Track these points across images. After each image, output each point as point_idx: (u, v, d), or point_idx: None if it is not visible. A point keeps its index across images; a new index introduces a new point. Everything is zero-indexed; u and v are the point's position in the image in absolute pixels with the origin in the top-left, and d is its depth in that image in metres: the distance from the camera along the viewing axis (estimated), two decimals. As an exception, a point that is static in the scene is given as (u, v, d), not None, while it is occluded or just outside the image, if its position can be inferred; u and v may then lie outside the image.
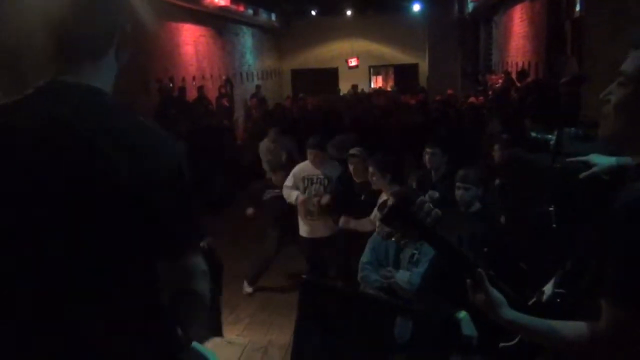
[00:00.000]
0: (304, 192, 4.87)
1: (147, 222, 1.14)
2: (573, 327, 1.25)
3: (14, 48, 6.72)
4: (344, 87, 17.65)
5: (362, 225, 4.21)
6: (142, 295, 1.21)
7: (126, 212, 1.12)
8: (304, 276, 3.59)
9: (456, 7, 16.70)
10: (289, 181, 4.97)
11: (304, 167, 4.98)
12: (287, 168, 5.39)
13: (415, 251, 3.28)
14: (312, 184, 4.87)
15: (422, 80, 18.10)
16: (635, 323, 1.08)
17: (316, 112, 11.01)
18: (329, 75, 19.61)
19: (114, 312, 1.18)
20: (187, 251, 1.24)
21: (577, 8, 8.45)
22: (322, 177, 4.85)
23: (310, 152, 4.89)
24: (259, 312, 4.51)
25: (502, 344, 1.46)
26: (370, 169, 4.09)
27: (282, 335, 3.61)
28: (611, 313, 1.13)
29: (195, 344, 1.54)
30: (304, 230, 4.94)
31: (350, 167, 4.49)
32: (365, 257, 3.53)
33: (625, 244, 1.09)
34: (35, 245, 1.13)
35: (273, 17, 17.99)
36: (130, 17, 1.29)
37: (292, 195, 4.88)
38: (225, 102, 12.45)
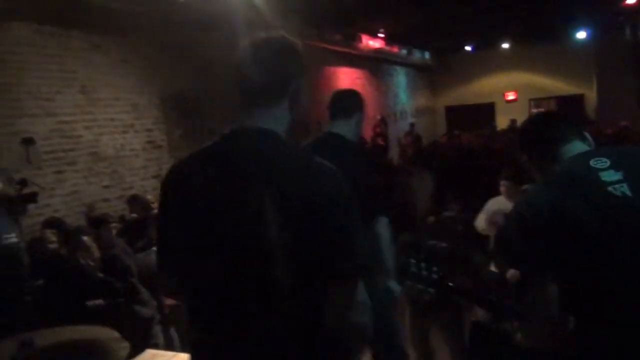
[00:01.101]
0: None
1: (315, 246, 1.24)
2: None
3: (198, 99, 7.58)
4: (502, 122, 16.99)
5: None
6: (314, 314, 1.29)
7: (297, 236, 1.24)
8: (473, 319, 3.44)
9: (627, 30, 15.36)
10: (482, 215, 4.81)
11: (496, 201, 4.77)
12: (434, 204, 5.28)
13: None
14: None
15: (589, 111, 16.79)
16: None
17: (472, 149, 10.72)
18: (485, 111, 19.01)
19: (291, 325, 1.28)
20: (352, 277, 1.33)
21: None
22: None
23: (502, 184, 4.67)
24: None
25: None
26: None
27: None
28: None
29: None
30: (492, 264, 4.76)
31: (502, 190, 4.43)
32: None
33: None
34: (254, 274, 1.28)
35: (427, 55, 18.06)
36: (303, 71, 1.42)
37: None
38: (380, 141, 12.66)
